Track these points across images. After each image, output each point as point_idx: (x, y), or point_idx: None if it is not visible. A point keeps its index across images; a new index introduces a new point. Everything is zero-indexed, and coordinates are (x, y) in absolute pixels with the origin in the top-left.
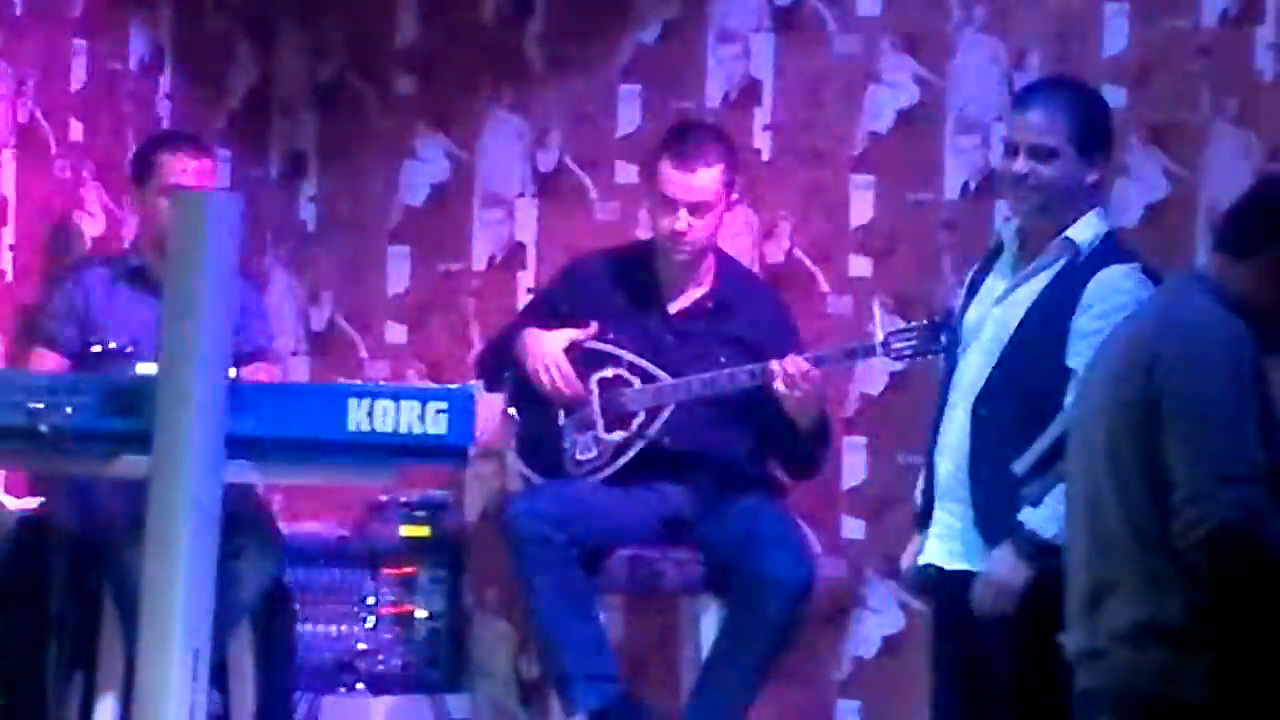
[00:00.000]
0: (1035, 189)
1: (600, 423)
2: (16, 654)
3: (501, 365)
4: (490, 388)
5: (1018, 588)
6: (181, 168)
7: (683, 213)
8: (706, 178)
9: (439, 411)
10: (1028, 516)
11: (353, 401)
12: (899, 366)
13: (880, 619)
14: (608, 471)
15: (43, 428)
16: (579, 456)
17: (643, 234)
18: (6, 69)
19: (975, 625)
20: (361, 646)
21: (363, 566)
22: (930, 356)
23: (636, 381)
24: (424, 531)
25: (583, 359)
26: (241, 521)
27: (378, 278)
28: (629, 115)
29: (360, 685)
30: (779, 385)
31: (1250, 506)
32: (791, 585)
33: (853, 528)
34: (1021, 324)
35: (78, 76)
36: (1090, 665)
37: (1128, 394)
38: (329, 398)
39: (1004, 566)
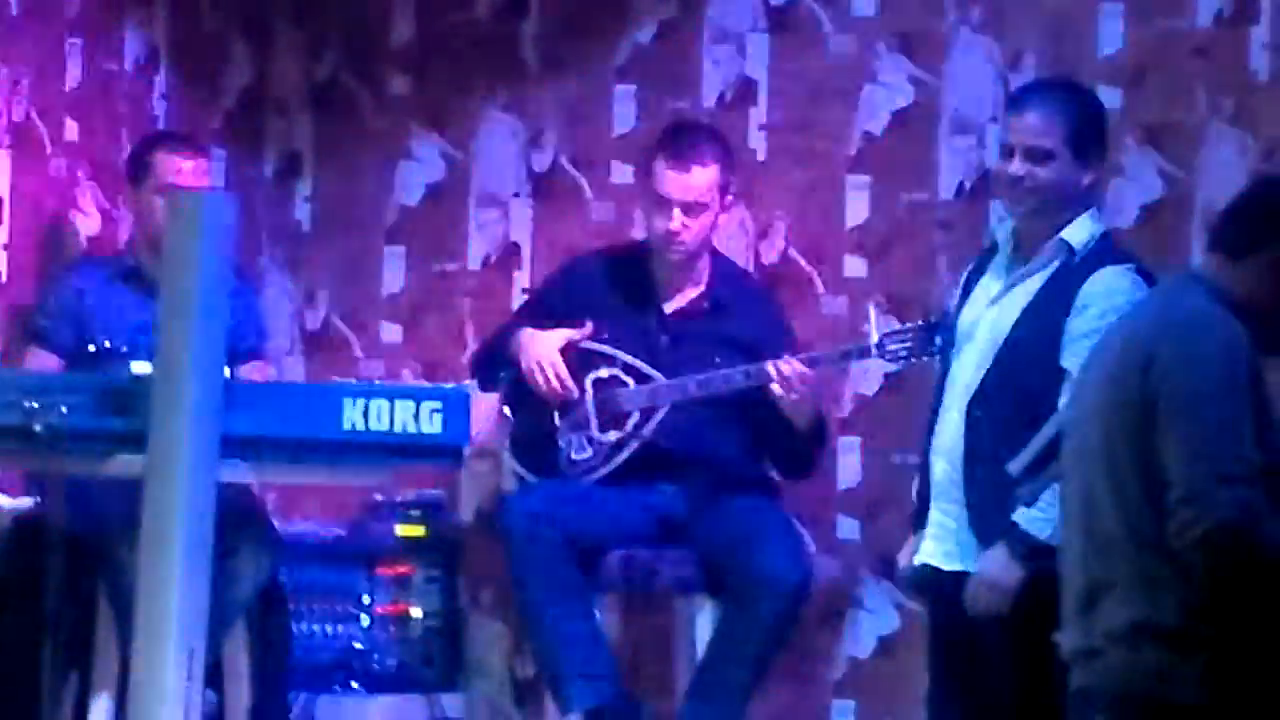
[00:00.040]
0: (1031, 191)
1: (595, 423)
2: (11, 653)
3: (497, 365)
4: (485, 387)
5: (1011, 588)
6: (177, 167)
7: (677, 212)
8: (701, 178)
9: (434, 411)
10: (1021, 517)
11: (348, 401)
12: (894, 368)
13: (875, 619)
14: (603, 471)
15: (38, 427)
16: (574, 456)
17: (638, 234)
18: (1, 68)
19: (971, 626)
20: (357, 646)
21: (358, 566)
22: (925, 358)
23: (631, 382)
24: (419, 531)
25: (578, 359)
26: (236, 521)
27: (373, 277)
28: (624, 115)
29: (355, 684)
30: (774, 387)
31: (1246, 506)
32: (787, 585)
33: (848, 528)
34: (1016, 325)
35: (73, 76)
36: (1085, 665)
37: (1124, 394)
38: (324, 397)
39: (997, 567)
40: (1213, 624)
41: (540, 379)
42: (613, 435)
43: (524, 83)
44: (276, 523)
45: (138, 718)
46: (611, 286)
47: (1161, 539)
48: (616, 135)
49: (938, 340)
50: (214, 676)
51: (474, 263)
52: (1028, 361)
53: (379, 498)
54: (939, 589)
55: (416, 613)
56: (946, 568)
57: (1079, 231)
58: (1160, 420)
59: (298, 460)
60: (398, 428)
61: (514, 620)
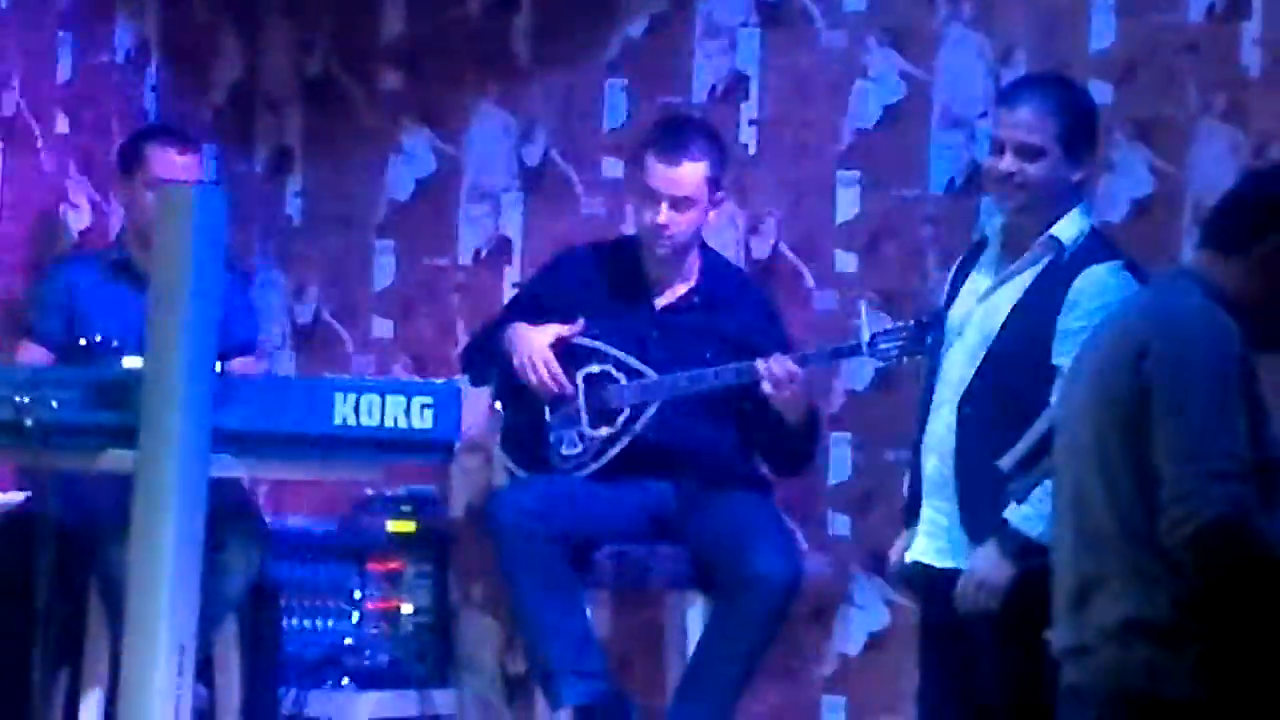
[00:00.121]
0: (1021, 187)
1: (586, 418)
2: (2, 648)
3: (487, 360)
4: (476, 382)
5: (1001, 585)
6: (168, 161)
7: (664, 206)
8: (690, 172)
9: (425, 406)
10: (1013, 514)
11: (339, 396)
12: (884, 365)
13: (866, 615)
14: (593, 467)
15: (28, 421)
16: (565, 452)
17: (629, 229)
18: None
19: (962, 623)
20: (348, 641)
21: (349, 561)
22: (917, 357)
23: (622, 377)
24: (410, 526)
25: (569, 354)
26: (227, 516)
27: (364, 272)
28: (616, 110)
29: (346, 680)
30: (766, 383)
31: (1238, 503)
32: (778, 581)
33: (839, 524)
34: (1006, 322)
35: (64, 70)
36: (1077, 661)
37: (1115, 390)
38: (315, 392)
39: (988, 564)
40: (1204, 620)
41: (531, 374)
42: (604, 431)
43: (515, 77)
44: (267, 518)
45: (129, 713)
46: (602, 281)
47: (1153, 535)
48: (607, 130)
49: (929, 338)
50: (205, 672)
51: (465, 257)
52: (1018, 359)
53: (370, 493)
54: (930, 586)
55: (407, 608)
56: (938, 565)
57: (1069, 228)
58: (1152, 417)
59: (289, 455)
60: (389, 423)
61: (505, 616)
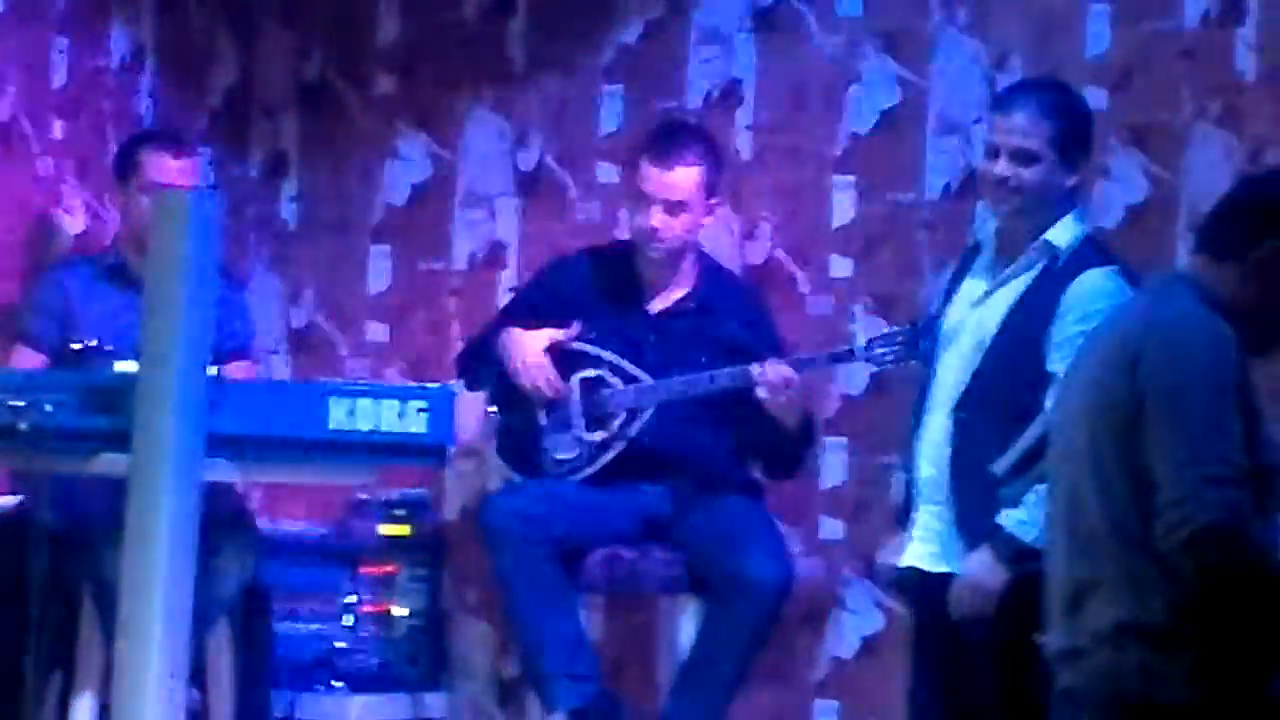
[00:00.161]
0: (1016, 192)
1: (581, 423)
2: None
3: (483, 364)
4: (471, 387)
5: (995, 590)
6: (164, 166)
7: (657, 209)
8: (684, 176)
9: (419, 410)
10: (1007, 519)
11: (333, 400)
12: (879, 370)
13: (858, 619)
14: (588, 471)
15: (23, 425)
16: (559, 456)
17: (624, 234)
18: None
19: (955, 627)
20: (340, 645)
21: (342, 565)
22: (912, 362)
23: (618, 382)
24: (403, 530)
25: (564, 359)
26: (221, 519)
27: (359, 277)
28: (610, 115)
29: (339, 683)
30: (761, 388)
31: (1233, 508)
32: (770, 586)
33: (831, 528)
34: (1001, 328)
35: (59, 74)
36: (1071, 665)
37: (1111, 394)
38: (309, 396)
39: (982, 569)
40: (1198, 624)
41: (526, 379)
42: (598, 435)
43: (511, 82)
44: (261, 522)
45: (121, 716)
46: (597, 286)
47: (1147, 539)
48: (603, 135)
49: (924, 344)
50: (197, 675)
51: (460, 262)
52: (1012, 364)
53: (364, 497)
54: (924, 590)
55: (400, 612)
56: (932, 569)
57: (1063, 233)
58: (1147, 421)
59: (282, 459)
60: (383, 427)
61: (498, 620)
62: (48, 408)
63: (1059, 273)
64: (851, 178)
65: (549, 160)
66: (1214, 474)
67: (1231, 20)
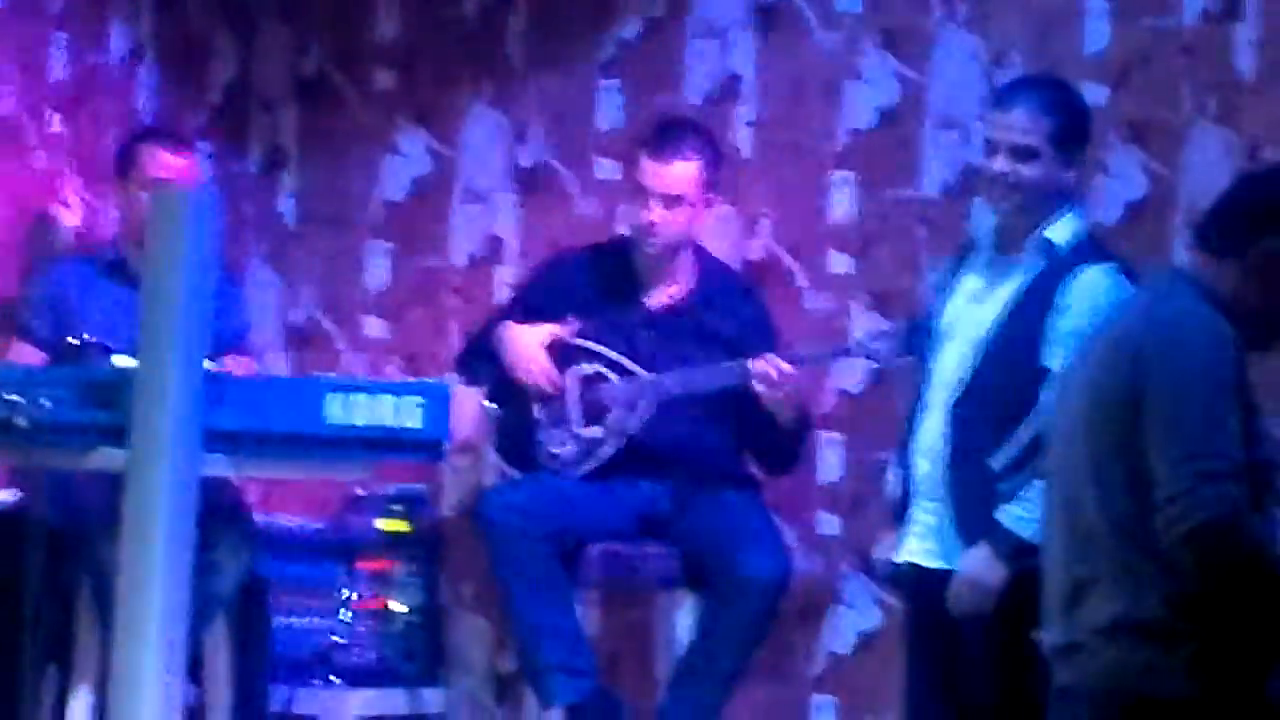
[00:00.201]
0: (1014, 188)
1: (579, 418)
2: None
3: (481, 360)
4: (470, 382)
5: (994, 587)
6: (164, 163)
7: (654, 204)
8: (681, 171)
9: (416, 406)
10: (1005, 516)
11: (330, 395)
12: (876, 366)
13: (856, 615)
14: (585, 467)
15: (20, 420)
16: (556, 452)
17: (623, 230)
18: None
19: (953, 624)
20: (337, 640)
21: (339, 560)
22: (910, 358)
23: (615, 378)
24: (401, 525)
25: (562, 355)
26: (217, 515)
27: (357, 272)
28: (610, 111)
29: (336, 678)
30: (758, 384)
31: (1232, 504)
32: (768, 581)
33: (829, 524)
34: (999, 324)
35: (58, 70)
36: (1068, 661)
37: (1109, 391)
38: (306, 391)
39: (980, 566)
40: (1196, 620)
41: (525, 375)
42: (596, 431)
43: (510, 78)
44: (258, 517)
45: (118, 711)
46: (596, 282)
47: (1145, 535)
48: (602, 131)
49: (921, 340)
50: (194, 670)
51: (458, 258)
52: (1011, 360)
53: (361, 492)
54: (921, 586)
55: (397, 607)
56: (930, 565)
57: (1062, 230)
58: (1146, 418)
59: (280, 454)
60: (380, 422)
61: (495, 615)
62: (45, 403)
63: (1058, 269)
64: (850, 174)
65: (548, 156)
66: (1212, 470)
67: (1231, 17)
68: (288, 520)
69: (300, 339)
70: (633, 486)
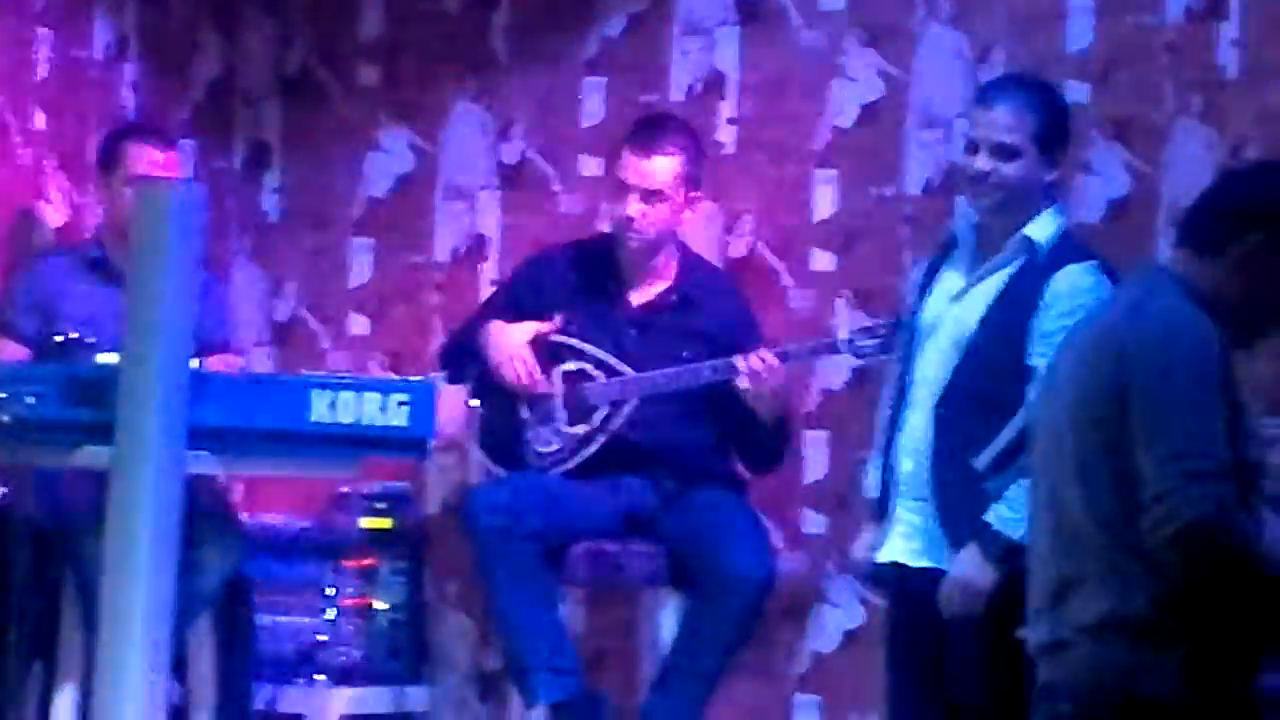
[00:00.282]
0: (996, 186)
1: (563, 416)
2: None
3: (465, 358)
4: (453, 380)
5: (985, 589)
6: (148, 159)
7: (635, 198)
8: (662, 165)
9: (400, 403)
10: (994, 517)
11: (315, 393)
12: (861, 363)
13: (840, 614)
14: (570, 465)
15: (4, 418)
16: (541, 449)
17: (606, 227)
18: None
19: (938, 623)
20: (322, 638)
21: (323, 558)
22: (894, 355)
23: (600, 375)
24: (385, 523)
25: (546, 352)
26: (202, 513)
27: (340, 269)
28: (593, 108)
29: (320, 676)
30: (744, 380)
31: (1219, 503)
32: (752, 580)
33: (814, 522)
34: (982, 322)
35: (42, 66)
36: (1053, 657)
37: (1094, 389)
38: (291, 389)
39: (971, 568)
40: (1183, 618)
41: (509, 372)
42: (580, 429)
43: (493, 75)
44: (243, 515)
45: (103, 709)
46: (579, 280)
47: (1131, 534)
48: (585, 128)
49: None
50: (179, 668)
51: (442, 255)
52: (994, 359)
53: (345, 490)
54: (906, 585)
55: (382, 605)
56: (915, 565)
57: (1043, 228)
58: (1132, 417)
59: (264, 452)
60: (364, 420)
61: (479, 613)
62: (29, 400)
63: (1039, 268)
64: (833, 171)
65: (531, 153)
66: (1199, 469)
67: (1214, 16)
68: (272, 518)
69: (283, 335)
70: (618, 484)
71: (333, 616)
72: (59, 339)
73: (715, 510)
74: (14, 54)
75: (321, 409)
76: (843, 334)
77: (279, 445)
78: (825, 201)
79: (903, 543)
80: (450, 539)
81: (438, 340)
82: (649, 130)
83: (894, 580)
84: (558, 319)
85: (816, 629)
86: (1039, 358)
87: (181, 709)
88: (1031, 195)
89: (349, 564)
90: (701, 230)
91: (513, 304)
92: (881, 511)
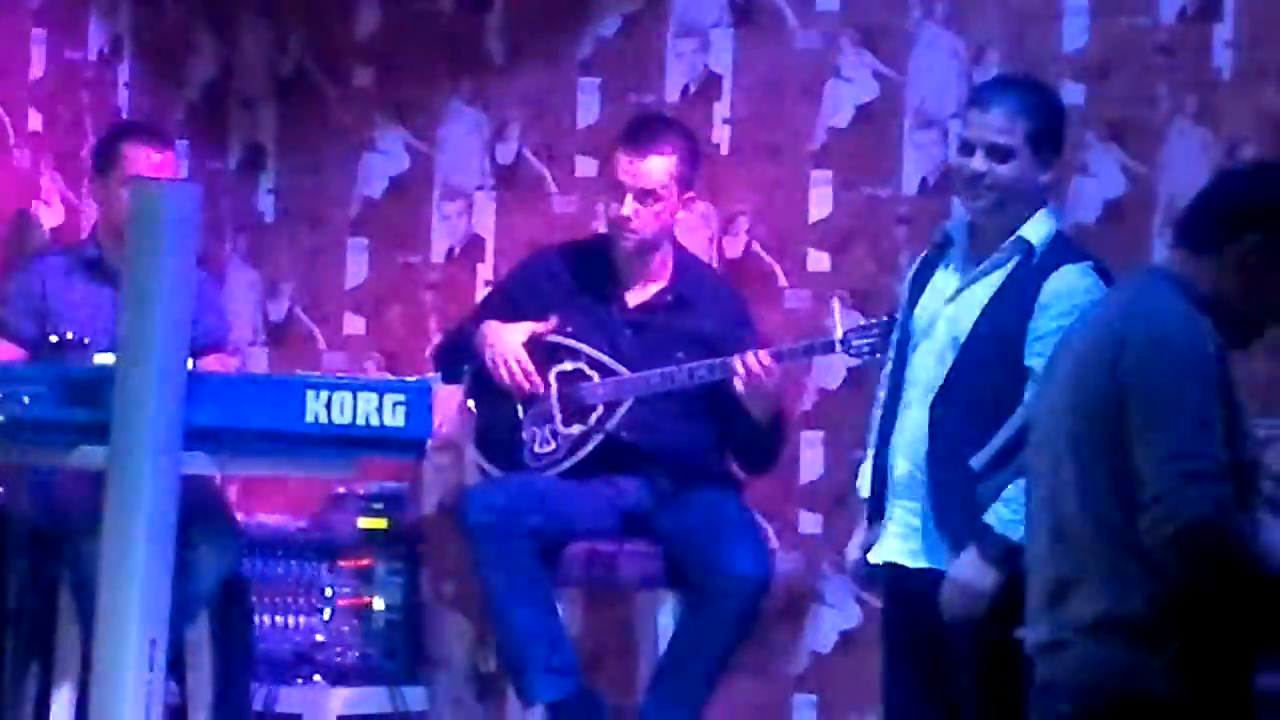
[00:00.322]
0: (991, 188)
1: (559, 416)
2: None
3: (460, 358)
4: (449, 380)
5: (986, 591)
6: (144, 159)
7: (629, 198)
8: (656, 165)
9: (397, 404)
10: (994, 519)
11: (310, 393)
12: (857, 362)
13: (837, 614)
14: (566, 465)
15: (0, 418)
16: (537, 450)
17: (601, 227)
18: None
19: (935, 623)
20: (319, 638)
21: (320, 558)
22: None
23: (595, 375)
24: (381, 524)
25: (542, 352)
26: (199, 513)
27: (336, 269)
28: (588, 108)
29: (317, 677)
30: (739, 380)
31: (1218, 504)
32: (749, 580)
33: (810, 522)
34: (978, 323)
35: (37, 66)
36: (1050, 656)
37: (1091, 390)
38: (287, 389)
39: (972, 571)
40: (1180, 618)
41: (504, 372)
42: (576, 429)
43: (488, 75)
44: (239, 515)
45: (100, 709)
46: (574, 280)
47: (1128, 533)
48: (580, 128)
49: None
50: (176, 668)
51: (437, 255)
52: (991, 360)
53: (341, 490)
54: (902, 586)
55: (378, 605)
56: (912, 565)
57: (1037, 229)
58: (1129, 417)
59: (260, 452)
60: (360, 420)
61: (476, 613)
62: (25, 400)
63: (1035, 269)
64: (829, 172)
65: (527, 153)
66: (1197, 470)
67: (1208, 17)
68: (269, 519)
69: (279, 336)
70: (614, 484)
71: (329, 617)
72: (55, 339)
73: (712, 510)
74: (9, 54)
75: (318, 409)
76: (838, 334)
77: (275, 445)
78: (821, 202)
79: (898, 543)
80: (447, 539)
81: (433, 340)
82: (643, 130)
83: (889, 580)
84: (553, 319)
85: (813, 629)
86: (1036, 358)
87: (179, 709)
88: (1026, 196)
89: (346, 564)
90: (697, 230)
91: (508, 304)
92: (875, 512)
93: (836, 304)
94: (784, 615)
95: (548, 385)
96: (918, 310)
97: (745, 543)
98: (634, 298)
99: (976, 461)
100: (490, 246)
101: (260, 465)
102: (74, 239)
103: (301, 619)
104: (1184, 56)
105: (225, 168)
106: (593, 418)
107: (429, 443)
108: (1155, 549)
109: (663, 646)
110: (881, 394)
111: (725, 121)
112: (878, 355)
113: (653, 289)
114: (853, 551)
